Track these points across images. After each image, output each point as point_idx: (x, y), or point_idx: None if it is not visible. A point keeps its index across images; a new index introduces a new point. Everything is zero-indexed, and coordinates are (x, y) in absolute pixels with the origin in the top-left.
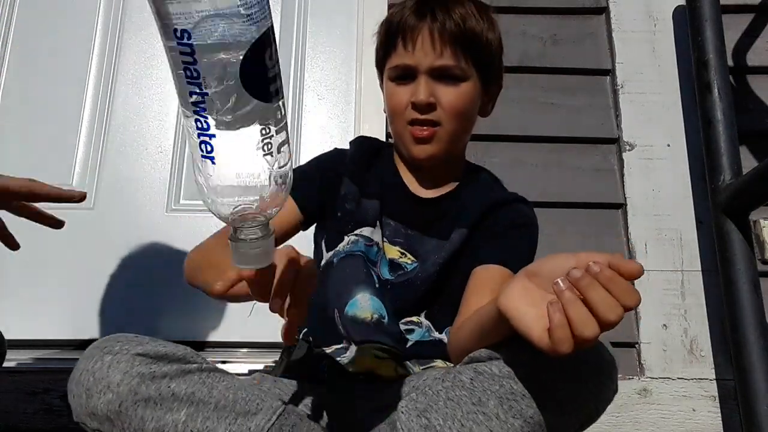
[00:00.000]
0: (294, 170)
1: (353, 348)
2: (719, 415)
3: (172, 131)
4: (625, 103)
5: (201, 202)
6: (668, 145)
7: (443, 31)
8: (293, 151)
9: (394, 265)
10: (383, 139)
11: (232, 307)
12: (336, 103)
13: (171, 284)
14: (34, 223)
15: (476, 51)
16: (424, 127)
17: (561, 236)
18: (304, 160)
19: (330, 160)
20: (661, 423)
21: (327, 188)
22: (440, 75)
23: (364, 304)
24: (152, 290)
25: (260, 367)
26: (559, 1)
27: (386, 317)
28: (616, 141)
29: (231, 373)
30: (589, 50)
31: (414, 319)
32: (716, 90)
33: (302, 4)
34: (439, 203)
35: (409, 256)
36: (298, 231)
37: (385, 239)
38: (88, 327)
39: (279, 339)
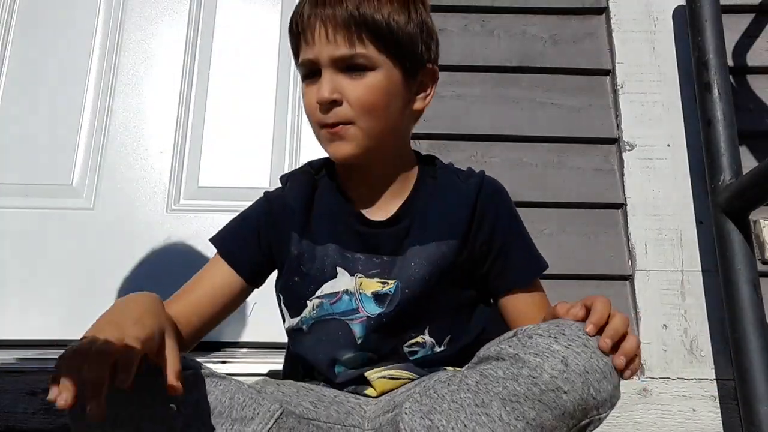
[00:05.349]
0: (226, 230)
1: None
2: (719, 415)
3: (172, 131)
4: (625, 103)
5: (201, 202)
6: (668, 145)
7: (335, 18)
8: (294, 149)
9: (379, 296)
10: None
11: None
12: None
13: (171, 284)
14: (34, 223)
15: (380, 35)
16: (333, 128)
17: (561, 236)
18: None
19: (266, 215)
20: (661, 423)
21: (272, 248)
22: (344, 67)
23: (350, 364)
24: (151, 290)
25: (260, 366)
26: (559, 1)
27: (376, 359)
28: (616, 141)
29: (227, 377)
30: (589, 50)
31: (418, 339)
32: (716, 90)
33: None
34: (398, 220)
35: (390, 282)
36: (246, 295)
37: (361, 275)
38: (87, 327)
39: (279, 339)
